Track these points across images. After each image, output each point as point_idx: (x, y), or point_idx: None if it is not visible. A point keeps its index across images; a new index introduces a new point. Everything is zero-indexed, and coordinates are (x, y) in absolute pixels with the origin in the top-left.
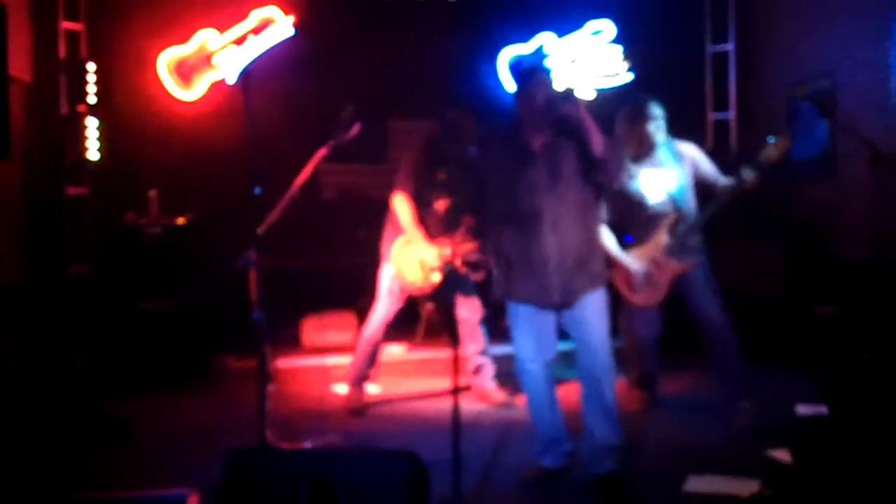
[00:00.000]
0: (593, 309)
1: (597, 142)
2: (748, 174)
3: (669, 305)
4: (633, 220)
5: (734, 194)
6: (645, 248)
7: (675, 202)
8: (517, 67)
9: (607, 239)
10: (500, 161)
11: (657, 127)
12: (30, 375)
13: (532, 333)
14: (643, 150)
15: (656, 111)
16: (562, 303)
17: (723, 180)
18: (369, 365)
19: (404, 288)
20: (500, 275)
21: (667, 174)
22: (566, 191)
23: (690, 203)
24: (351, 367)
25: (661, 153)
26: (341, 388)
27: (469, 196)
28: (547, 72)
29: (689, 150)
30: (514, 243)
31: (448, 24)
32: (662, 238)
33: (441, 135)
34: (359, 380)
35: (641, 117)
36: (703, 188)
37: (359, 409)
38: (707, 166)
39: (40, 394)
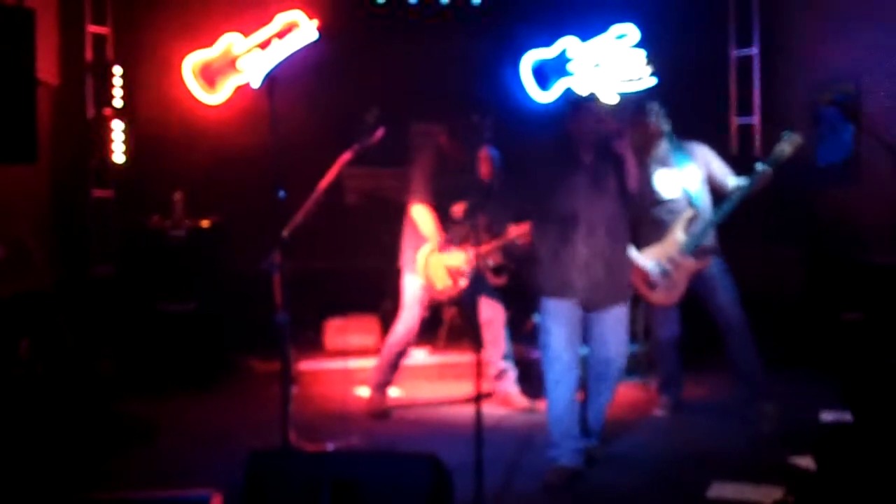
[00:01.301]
0: (615, 320)
1: (633, 177)
2: (761, 168)
3: (690, 308)
4: (649, 218)
5: (748, 191)
6: (661, 247)
7: (689, 200)
8: (567, 99)
9: None
10: (551, 167)
11: (659, 124)
12: (55, 377)
13: (565, 325)
14: (650, 149)
15: (655, 109)
16: (584, 303)
17: (734, 180)
18: (392, 371)
19: (434, 296)
20: (535, 271)
21: (680, 174)
22: (603, 204)
23: (705, 201)
24: (374, 371)
25: (673, 154)
26: (364, 392)
27: (493, 200)
28: (596, 104)
29: (701, 150)
30: (548, 242)
31: (471, 27)
32: (679, 236)
33: (460, 139)
34: (381, 384)
35: (642, 117)
36: (715, 190)
37: (381, 412)
38: (719, 166)
39: (65, 395)
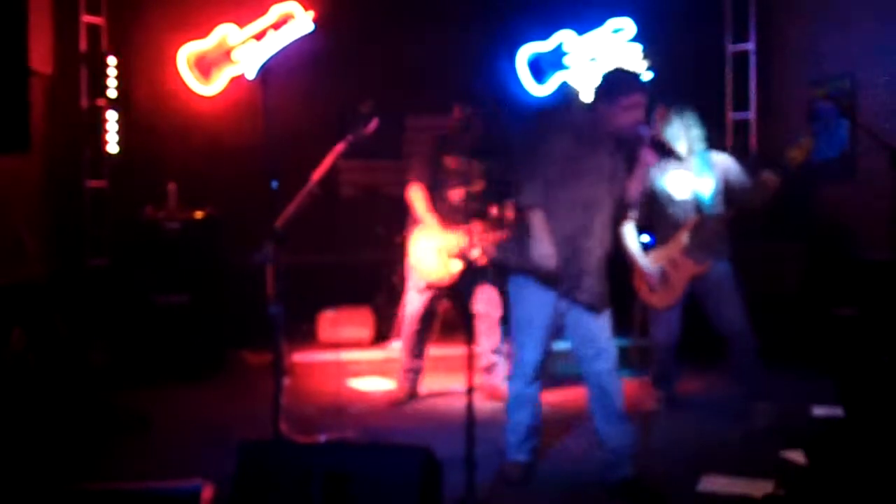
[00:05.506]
0: (604, 321)
1: (635, 189)
2: (769, 174)
3: (688, 306)
4: (659, 219)
5: (757, 195)
6: (665, 249)
7: (700, 205)
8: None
9: (630, 239)
10: (564, 141)
11: (684, 133)
12: (47, 368)
13: (539, 325)
14: (672, 152)
15: (686, 119)
16: (561, 288)
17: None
18: (413, 357)
19: (428, 281)
20: (515, 243)
21: (696, 179)
22: (603, 195)
23: (718, 210)
24: (399, 360)
25: (695, 160)
26: (356, 383)
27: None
28: (645, 92)
29: (723, 159)
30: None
31: (467, 20)
32: (683, 238)
33: (458, 129)
34: (407, 371)
35: (672, 121)
36: (734, 201)
37: (401, 401)
38: (738, 176)
39: (58, 386)
